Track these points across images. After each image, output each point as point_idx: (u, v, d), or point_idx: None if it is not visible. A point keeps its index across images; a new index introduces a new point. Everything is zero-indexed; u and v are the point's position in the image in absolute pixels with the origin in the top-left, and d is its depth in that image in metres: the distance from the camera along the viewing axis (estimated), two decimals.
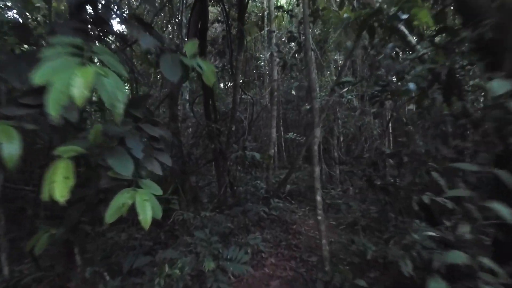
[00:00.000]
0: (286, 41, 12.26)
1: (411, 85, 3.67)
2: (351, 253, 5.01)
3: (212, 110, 7.59)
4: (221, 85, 13.77)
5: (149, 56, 9.23)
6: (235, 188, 7.77)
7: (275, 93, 8.63)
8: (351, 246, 5.01)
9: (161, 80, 8.82)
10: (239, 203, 7.96)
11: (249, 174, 7.31)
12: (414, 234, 3.07)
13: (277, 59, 8.28)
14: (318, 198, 4.09)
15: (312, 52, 11.62)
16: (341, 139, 13.39)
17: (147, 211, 1.87)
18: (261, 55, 15.02)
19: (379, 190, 4.87)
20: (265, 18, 15.48)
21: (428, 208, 3.69)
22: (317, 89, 12.38)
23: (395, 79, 4.30)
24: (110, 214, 1.82)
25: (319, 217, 4.03)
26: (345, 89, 8.41)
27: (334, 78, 8.41)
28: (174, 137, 6.89)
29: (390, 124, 13.20)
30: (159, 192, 2.10)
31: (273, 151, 8.67)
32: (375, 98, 4.43)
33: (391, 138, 14.77)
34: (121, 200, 1.85)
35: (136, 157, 2.02)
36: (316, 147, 4.24)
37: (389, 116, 12.39)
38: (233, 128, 7.27)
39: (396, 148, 9.70)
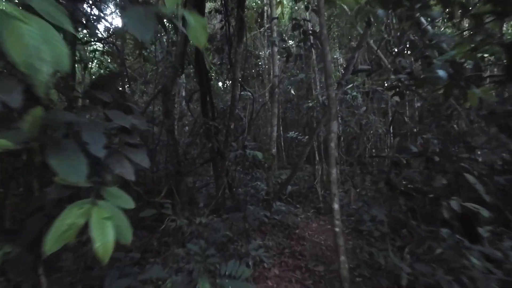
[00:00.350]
0: (289, 32, 11.63)
1: (441, 72, 3.07)
2: (373, 269, 4.35)
3: (210, 107, 6.96)
4: (220, 83, 13.14)
5: (144, 52, 8.60)
6: (234, 189, 7.15)
7: (276, 90, 8.02)
8: (368, 258, 4.37)
9: (156, 76, 8.20)
10: (238, 206, 7.34)
11: (249, 174, 6.68)
12: (472, 258, 2.43)
13: (279, 50, 7.67)
14: (336, 206, 3.45)
15: (313, 47, 11.01)
16: (342, 138, 12.80)
17: (107, 235, 1.25)
18: (260, 53, 14.40)
19: (400, 194, 4.25)
20: (265, 14, 14.90)
21: (463, 216, 3.11)
22: (318, 85, 11.78)
23: (420, 65, 3.69)
24: (50, 241, 1.19)
25: (337, 229, 3.40)
26: (349, 86, 7.80)
27: (338, 74, 7.83)
28: (168, 135, 6.26)
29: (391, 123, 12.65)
30: (130, 204, 1.47)
31: (274, 150, 8.05)
32: (396, 89, 3.83)
33: (391, 137, 14.28)
34: (67, 219, 1.23)
35: (96, 156, 1.39)
36: (333, 144, 3.62)
37: (392, 114, 11.82)
38: (232, 126, 6.65)
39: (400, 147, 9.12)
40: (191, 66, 7.15)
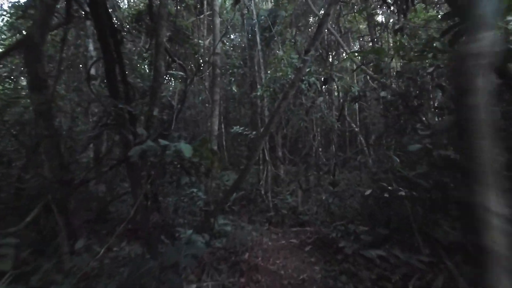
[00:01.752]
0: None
1: None
2: None
3: (123, 85, 4.53)
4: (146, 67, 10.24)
5: None
6: (159, 201, 4.81)
7: (218, 71, 5.88)
8: None
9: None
10: (165, 226, 5.04)
11: (174, 181, 4.41)
12: None
13: (219, 22, 5.62)
14: None
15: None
16: (288, 136, 11.18)
17: None
18: (200, 41, 12.08)
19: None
20: (205, 1, 12.63)
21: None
22: (262, 67, 9.89)
23: None
24: None
25: None
26: (307, 69, 6.02)
27: (294, 55, 6.13)
28: (42, 121, 3.67)
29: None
30: None
31: (215, 147, 5.90)
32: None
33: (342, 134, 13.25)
34: None
35: None
36: None
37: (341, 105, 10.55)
38: (155, 113, 4.35)
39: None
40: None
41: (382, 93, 5.81)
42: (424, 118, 5.47)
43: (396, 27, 4.11)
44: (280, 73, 6.02)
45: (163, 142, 2.31)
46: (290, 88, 3.75)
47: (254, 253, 4.86)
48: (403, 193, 3.38)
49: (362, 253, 3.66)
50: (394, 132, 6.04)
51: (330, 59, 8.95)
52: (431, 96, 5.27)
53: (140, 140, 2.74)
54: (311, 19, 12.74)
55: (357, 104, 12.25)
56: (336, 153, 11.40)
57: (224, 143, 14.27)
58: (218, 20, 6.14)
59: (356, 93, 5.54)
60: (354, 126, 12.06)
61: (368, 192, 3.75)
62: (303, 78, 6.11)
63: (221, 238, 4.08)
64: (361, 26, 12.60)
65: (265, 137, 4.11)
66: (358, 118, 12.83)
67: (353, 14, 10.51)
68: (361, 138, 12.03)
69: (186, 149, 2.15)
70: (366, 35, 11.04)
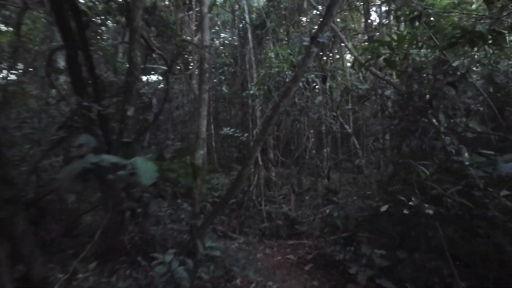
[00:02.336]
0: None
1: None
2: None
3: (91, 79, 3.69)
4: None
5: None
6: (139, 219, 4.01)
7: (206, 65, 5.08)
8: None
9: None
10: (144, 244, 4.22)
11: (150, 204, 3.59)
12: None
13: (208, 11, 4.85)
14: None
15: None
16: (281, 137, 10.45)
17: None
18: (188, 38, 11.22)
19: None
20: None
21: None
22: (254, 79, 9.11)
23: None
24: None
25: None
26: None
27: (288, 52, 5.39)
28: None
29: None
30: None
31: (202, 152, 5.11)
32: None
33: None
34: None
35: None
36: None
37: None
38: (130, 113, 3.54)
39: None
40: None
41: (387, 92, 5.14)
42: (434, 120, 4.84)
43: (412, 15, 3.45)
44: (276, 69, 5.29)
45: (110, 158, 1.54)
46: (292, 83, 3.02)
47: (247, 274, 4.09)
48: (430, 211, 2.69)
49: (379, 282, 2.95)
50: (399, 134, 5.40)
51: (326, 57, 8.28)
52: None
53: (79, 153, 1.90)
54: (304, 19, 12.06)
55: (350, 104, 11.66)
56: (330, 155, 10.76)
57: (213, 144, 13.44)
58: (206, 10, 5.34)
59: (362, 92, 4.84)
60: (348, 127, 11.45)
61: (384, 208, 3.06)
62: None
63: (208, 264, 3.30)
64: (354, 25, 11.99)
65: (261, 141, 3.37)
66: (351, 119, 12.23)
67: (348, 11, 9.88)
68: (355, 140, 11.43)
69: (146, 171, 1.38)
70: (361, 33, 10.43)
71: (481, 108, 4.13)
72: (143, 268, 3.91)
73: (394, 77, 5.77)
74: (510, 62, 3.35)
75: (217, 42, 13.35)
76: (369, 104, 10.30)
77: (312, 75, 5.18)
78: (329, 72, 5.13)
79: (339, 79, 11.23)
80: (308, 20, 12.15)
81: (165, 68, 4.36)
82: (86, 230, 5.00)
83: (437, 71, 3.72)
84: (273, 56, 5.98)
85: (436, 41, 3.35)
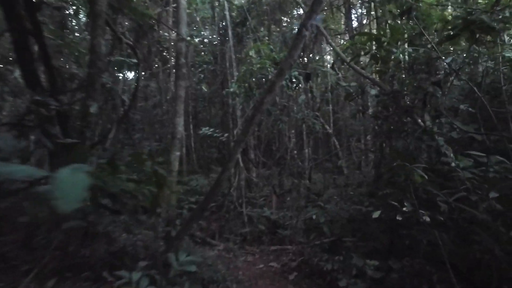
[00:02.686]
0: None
1: None
2: None
3: (47, 70, 3.16)
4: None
5: None
6: (92, 242, 3.48)
7: (183, 60, 4.64)
8: None
9: None
10: (111, 256, 3.71)
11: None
12: None
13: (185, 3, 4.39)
14: None
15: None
16: (262, 137, 10.11)
17: None
18: (166, 34, 10.63)
19: None
20: None
21: None
22: (234, 64, 8.67)
23: None
24: None
25: None
26: None
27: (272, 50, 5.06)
28: None
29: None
30: None
31: (178, 153, 4.65)
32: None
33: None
34: None
35: None
36: None
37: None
38: (94, 110, 3.05)
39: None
40: None
41: (372, 91, 4.94)
42: (419, 120, 4.69)
43: (402, 9, 3.22)
44: (258, 65, 4.93)
45: (23, 170, 1.11)
46: (278, 77, 2.67)
47: (227, 286, 3.70)
48: (427, 218, 2.44)
49: None
50: (383, 134, 5.22)
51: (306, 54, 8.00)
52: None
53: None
54: (284, 19, 11.80)
55: (330, 105, 11.55)
56: (311, 156, 10.56)
57: (193, 145, 12.89)
58: (184, 1, 4.89)
59: (349, 89, 4.58)
60: (328, 127, 11.32)
61: (376, 214, 2.79)
62: None
63: (183, 281, 2.87)
64: (334, 26, 11.89)
65: (243, 142, 3.00)
66: (331, 120, 12.12)
67: (330, 11, 9.73)
68: (335, 140, 11.33)
69: (69, 190, 0.96)
70: (342, 33, 10.32)
71: (470, 108, 3.98)
72: (109, 285, 3.42)
73: (376, 76, 5.61)
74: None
75: (196, 40, 12.81)
76: (352, 104, 10.20)
77: (295, 73, 4.88)
78: (312, 70, 4.84)
79: (319, 80, 11.06)
80: (289, 20, 11.94)
81: (136, 61, 3.87)
82: (45, 242, 4.40)
83: (430, 68, 3.51)
84: (253, 54, 5.61)
85: (427, 36, 3.13)
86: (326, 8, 9.99)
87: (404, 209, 2.70)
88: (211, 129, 6.05)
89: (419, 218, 2.49)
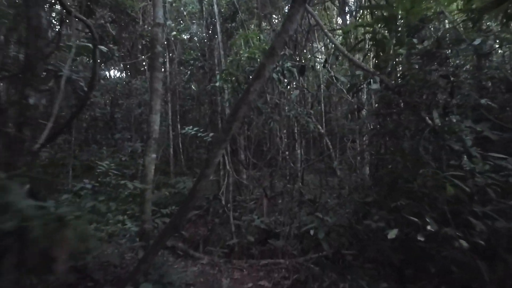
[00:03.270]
0: None
1: None
2: None
3: None
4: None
5: None
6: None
7: (159, 48, 3.91)
8: None
9: None
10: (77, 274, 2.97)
11: None
12: None
13: None
14: None
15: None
16: (252, 137, 9.43)
17: None
18: (149, 27, 9.81)
19: None
20: None
21: None
22: (222, 60, 7.93)
23: None
24: None
25: None
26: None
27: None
28: None
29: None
30: None
31: (154, 155, 3.93)
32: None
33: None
34: None
35: None
36: None
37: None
38: (32, 100, 2.33)
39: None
40: None
41: (374, 86, 4.32)
42: (427, 118, 4.09)
43: None
44: (246, 55, 4.25)
45: None
46: (269, 58, 2.01)
47: None
48: (464, 244, 1.81)
49: None
50: (386, 133, 4.62)
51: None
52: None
53: None
54: (275, 16, 11.16)
55: (322, 104, 10.97)
56: (303, 156, 9.95)
57: (180, 145, 12.12)
58: None
59: (356, 81, 3.93)
60: (320, 127, 10.73)
61: (392, 234, 2.15)
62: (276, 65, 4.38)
63: None
64: (328, 24, 11.30)
65: (225, 143, 2.33)
66: (323, 119, 11.54)
67: (323, 7, 9.14)
68: (327, 141, 10.74)
69: None
70: (337, 29, 9.73)
71: (490, 103, 3.40)
72: None
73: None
74: None
75: (185, 36, 12.05)
76: (344, 104, 9.62)
77: (288, 64, 4.22)
78: (308, 61, 4.20)
79: (311, 79, 10.43)
80: (280, 17, 11.29)
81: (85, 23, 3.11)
82: None
83: (456, 48, 2.89)
84: (242, 44, 4.92)
85: (447, 14, 2.52)
86: (317, 2, 9.42)
87: (428, 227, 2.06)
88: (195, 129, 5.33)
89: (453, 243, 1.86)
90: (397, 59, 3.39)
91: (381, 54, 3.04)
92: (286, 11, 10.95)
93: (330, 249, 3.69)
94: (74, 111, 3.05)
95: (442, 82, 3.89)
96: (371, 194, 3.75)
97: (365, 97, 8.72)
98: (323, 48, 10.14)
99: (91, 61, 5.29)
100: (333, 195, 5.46)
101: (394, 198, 2.96)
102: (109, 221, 3.53)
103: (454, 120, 3.86)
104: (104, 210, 3.00)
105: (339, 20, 10.43)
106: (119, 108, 10.40)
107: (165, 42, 10.47)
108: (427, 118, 4.03)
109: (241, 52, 4.59)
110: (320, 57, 12.15)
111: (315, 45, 10.76)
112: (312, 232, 3.18)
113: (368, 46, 3.27)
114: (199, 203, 6.75)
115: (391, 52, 3.27)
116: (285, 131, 9.00)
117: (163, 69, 12.70)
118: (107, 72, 13.75)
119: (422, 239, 2.10)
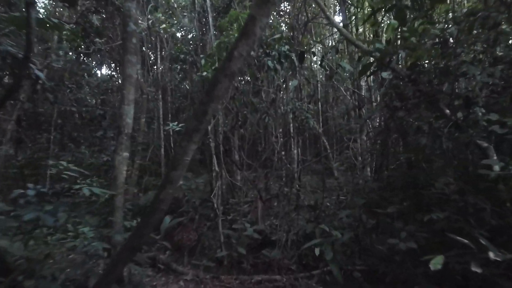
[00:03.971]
0: None
1: None
2: None
3: None
4: None
5: None
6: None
7: (133, 27, 3.20)
8: None
9: None
10: None
11: None
12: None
13: None
14: None
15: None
16: (246, 136, 8.72)
17: None
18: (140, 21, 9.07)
19: None
20: None
21: None
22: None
23: None
24: None
25: None
26: (276, 36, 3.63)
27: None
28: None
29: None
30: None
31: (127, 154, 3.20)
32: None
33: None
34: None
35: None
36: None
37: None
38: None
39: None
40: None
41: (384, 74, 3.65)
42: (447, 110, 3.43)
43: None
44: (236, 35, 3.57)
45: None
46: (259, 8, 1.32)
47: None
48: None
49: None
50: (396, 130, 3.95)
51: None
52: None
53: None
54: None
55: (319, 103, 10.33)
56: (300, 157, 9.27)
57: (172, 145, 11.36)
58: None
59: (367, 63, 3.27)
60: (317, 126, 10.07)
61: (436, 265, 1.48)
62: (268, 51, 3.67)
63: None
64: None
65: (197, 133, 1.64)
66: (320, 118, 10.87)
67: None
68: (325, 141, 10.08)
69: None
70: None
71: None
72: None
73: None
74: None
75: (175, 31, 11.30)
76: (340, 104, 9.00)
77: (287, 47, 3.53)
78: (309, 46, 3.53)
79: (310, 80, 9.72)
80: (274, 12, 10.63)
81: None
82: None
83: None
84: (232, 21, 4.21)
85: None
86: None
87: (491, 255, 1.37)
88: (180, 125, 4.62)
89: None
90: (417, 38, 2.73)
91: (401, 27, 2.37)
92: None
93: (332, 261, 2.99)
94: (8, 89, 2.36)
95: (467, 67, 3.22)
96: (387, 199, 3.06)
97: (364, 94, 8.10)
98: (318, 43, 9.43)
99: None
100: (332, 198, 4.76)
101: (417, 206, 2.27)
102: (68, 234, 2.81)
103: (480, 114, 3.21)
104: (51, 223, 2.27)
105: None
106: (106, 105, 9.68)
107: (153, 38, 9.77)
108: (447, 110, 3.37)
109: (230, 33, 3.88)
110: (317, 57, 11.51)
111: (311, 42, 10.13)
112: (317, 251, 2.48)
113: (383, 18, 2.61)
114: (186, 208, 6.00)
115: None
116: (281, 130, 8.32)
117: (154, 66, 12.00)
118: (98, 72, 13.00)
119: (479, 271, 1.42)
